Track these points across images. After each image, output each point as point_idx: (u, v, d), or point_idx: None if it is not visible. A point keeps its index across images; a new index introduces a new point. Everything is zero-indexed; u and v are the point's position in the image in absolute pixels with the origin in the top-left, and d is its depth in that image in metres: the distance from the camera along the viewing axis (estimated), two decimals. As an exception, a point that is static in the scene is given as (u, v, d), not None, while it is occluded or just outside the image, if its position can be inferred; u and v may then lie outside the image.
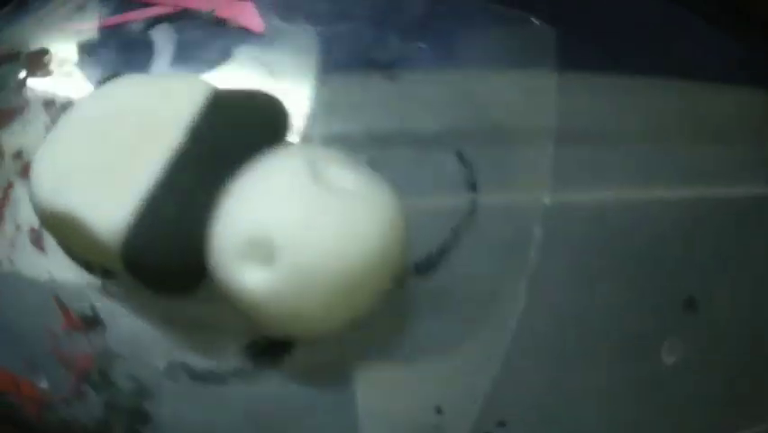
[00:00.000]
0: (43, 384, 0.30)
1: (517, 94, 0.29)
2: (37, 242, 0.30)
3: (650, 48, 0.30)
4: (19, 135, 0.31)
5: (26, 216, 0.30)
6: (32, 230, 0.30)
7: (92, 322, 0.29)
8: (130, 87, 0.28)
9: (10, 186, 0.31)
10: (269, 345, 0.28)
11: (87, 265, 0.29)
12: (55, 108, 0.31)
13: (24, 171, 0.31)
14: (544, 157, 0.28)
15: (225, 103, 0.27)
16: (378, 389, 0.27)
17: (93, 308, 0.29)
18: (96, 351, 0.29)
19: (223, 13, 0.31)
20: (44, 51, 0.32)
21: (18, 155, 0.31)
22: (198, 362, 0.28)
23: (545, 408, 0.27)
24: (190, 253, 0.26)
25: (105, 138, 0.27)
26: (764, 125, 0.29)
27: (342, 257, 0.24)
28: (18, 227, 0.30)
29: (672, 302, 0.27)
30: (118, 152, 0.26)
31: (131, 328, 0.29)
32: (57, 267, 0.30)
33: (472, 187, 0.28)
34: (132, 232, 0.26)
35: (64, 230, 0.28)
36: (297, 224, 0.24)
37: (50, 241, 0.30)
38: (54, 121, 0.31)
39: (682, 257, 0.28)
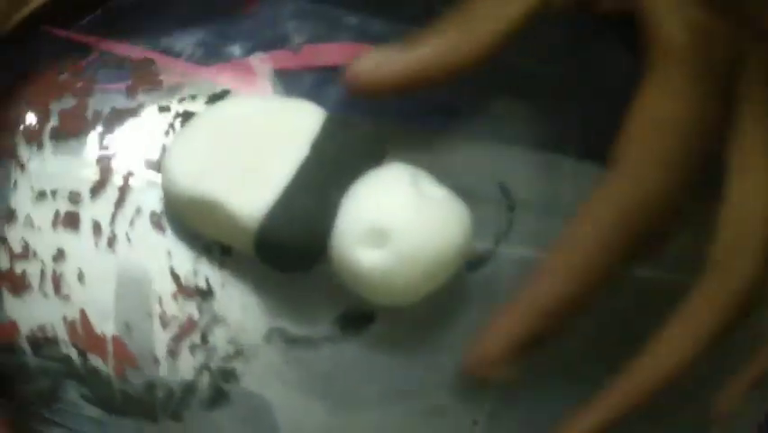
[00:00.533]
0: (137, 346, 0.36)
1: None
2: (158, 224, 0.36)
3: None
4: (135, 134, 0.37)
5: (146, 201, 0.36)
6: (153, 213, 0.36)
7: (204, 292, 0.35)
8: (251, 104, 0.35)
9: (130, 174, 0.36)
10: (357, 316, 0.35)
11: (207, 245, 0.35)
12: (170, 114, 0.37)
13: (146, 163, 0.36)
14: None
15: (338, 126, 0.34)
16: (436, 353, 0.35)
17: (207, 279, 0.35)
18: (202, 316, 0.35)
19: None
20: (150, 63, 0.38)
21: (135, 150, 0.37)
22: (294, 328, 0.35)
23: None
24: (316, 238, 0.33)
25: (237, 141, 0.34)
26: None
27: (434, 245, 0.32)
28: (138, 210, 0.36)
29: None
30: (252, 155, 0.33)
31: (239, 298, 0.35)
32: (174, 245, 0.35)
33: (511, 208, 0.37)
34: (270, 218, 0.32)
35: (198, 213, 0.34)
36: (405, 219, 0.32)
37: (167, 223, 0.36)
38: (171, 125, 0.37)
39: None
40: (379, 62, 0.32)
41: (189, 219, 0.35)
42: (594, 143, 0.37)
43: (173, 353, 0.35)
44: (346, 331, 0.35)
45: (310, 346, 0.35)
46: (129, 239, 0.36)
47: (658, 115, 0.30)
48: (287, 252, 0.32)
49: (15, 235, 0.36)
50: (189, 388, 0.35)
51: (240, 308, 0.35)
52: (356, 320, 0.35)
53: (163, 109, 0.37)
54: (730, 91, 0.31)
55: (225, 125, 0.34)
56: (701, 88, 0.30)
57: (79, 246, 0.36)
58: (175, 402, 0.35)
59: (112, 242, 0.36)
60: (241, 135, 0.34)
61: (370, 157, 0.34)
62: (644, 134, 0.30)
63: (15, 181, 0.36)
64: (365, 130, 0.34)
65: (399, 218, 0.32)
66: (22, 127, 0.37)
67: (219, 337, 0.35)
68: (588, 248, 0.30)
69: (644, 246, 0.31)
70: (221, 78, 0.38)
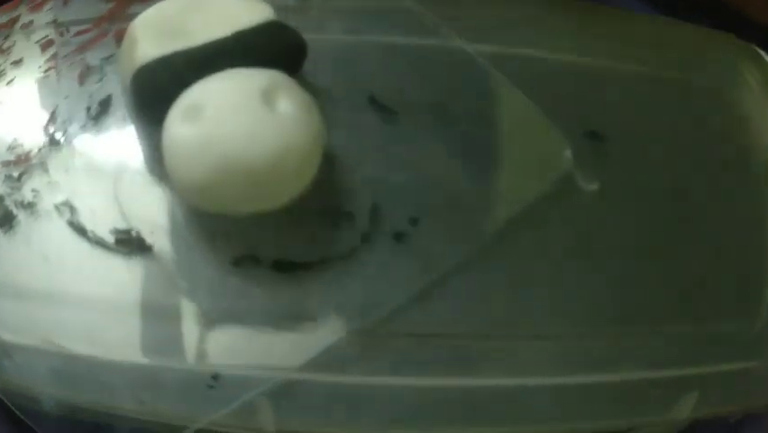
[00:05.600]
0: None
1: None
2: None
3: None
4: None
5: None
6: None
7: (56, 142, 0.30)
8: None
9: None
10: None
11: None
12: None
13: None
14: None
15: (271, 30, 0.30)
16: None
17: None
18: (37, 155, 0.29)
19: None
20: None
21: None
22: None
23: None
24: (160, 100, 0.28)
25: (192, 12, 0.31)
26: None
27: (249, 146, 0.26)
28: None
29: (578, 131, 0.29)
30: (192, 24, 0.30)
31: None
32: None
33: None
34: (150, 64, 0.29)
35: (127, 49, 0.31)
36: (225, 104, 0.27)
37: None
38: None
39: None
40: None
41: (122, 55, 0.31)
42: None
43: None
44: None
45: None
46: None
47: None
48: (138, 97, 0.29)
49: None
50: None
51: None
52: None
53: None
54: None
55: (193, 3, 0.31)
56: None
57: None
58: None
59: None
60: (196, 12, 0.31)
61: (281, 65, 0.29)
62: None
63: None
64: (291, 39, 0.30)
65: (218, 101, 0.27)
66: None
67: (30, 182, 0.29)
68: None
69: None
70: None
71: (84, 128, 0.30)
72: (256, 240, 0.25)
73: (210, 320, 0.25)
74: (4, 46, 0.35)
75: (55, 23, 0.35)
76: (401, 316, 0.25)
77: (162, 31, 0.30)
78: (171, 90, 0.28)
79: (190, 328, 0.26)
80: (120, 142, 0.29)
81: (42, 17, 0.36)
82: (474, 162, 0.28)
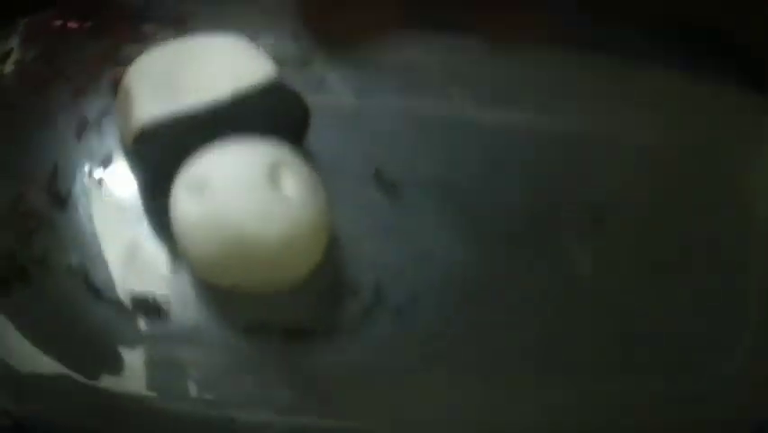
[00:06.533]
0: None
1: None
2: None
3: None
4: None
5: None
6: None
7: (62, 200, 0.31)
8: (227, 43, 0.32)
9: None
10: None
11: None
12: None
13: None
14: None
15: (274, 94, 0.30)
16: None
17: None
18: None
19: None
20: None
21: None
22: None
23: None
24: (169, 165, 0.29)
25: (188, 65, 0.31)
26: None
27: (253, 226, 0.27)
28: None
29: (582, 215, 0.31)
30: (190, 75, 0.31)
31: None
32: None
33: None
34: (150, 128, 0.30)
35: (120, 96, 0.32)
36: (229, 182, 0.28)
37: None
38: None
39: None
40: None
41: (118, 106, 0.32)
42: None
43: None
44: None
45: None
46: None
47: None
48: (141, 161, 0.30)
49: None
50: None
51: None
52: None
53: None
54: None
55: (190, 51, 0.31)
56: None
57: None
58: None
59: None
60: (193, 61, 0.31)
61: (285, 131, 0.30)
62: None
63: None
64: (295, 106, 0.31)
65: (224, 178, 0.28)
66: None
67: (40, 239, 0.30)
68: None
69: None
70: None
71: (87, 188, 0.31)
72: (266, 312, 0.28)
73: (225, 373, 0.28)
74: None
75: (48, 63, 0.35)
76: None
77: (159, 84, 0.30)
78: (174, 154, 0.29)
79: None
80: (127, 206, 0.31)
81: (35, 52, 0.36)
82: (475, 238, 0.30)
